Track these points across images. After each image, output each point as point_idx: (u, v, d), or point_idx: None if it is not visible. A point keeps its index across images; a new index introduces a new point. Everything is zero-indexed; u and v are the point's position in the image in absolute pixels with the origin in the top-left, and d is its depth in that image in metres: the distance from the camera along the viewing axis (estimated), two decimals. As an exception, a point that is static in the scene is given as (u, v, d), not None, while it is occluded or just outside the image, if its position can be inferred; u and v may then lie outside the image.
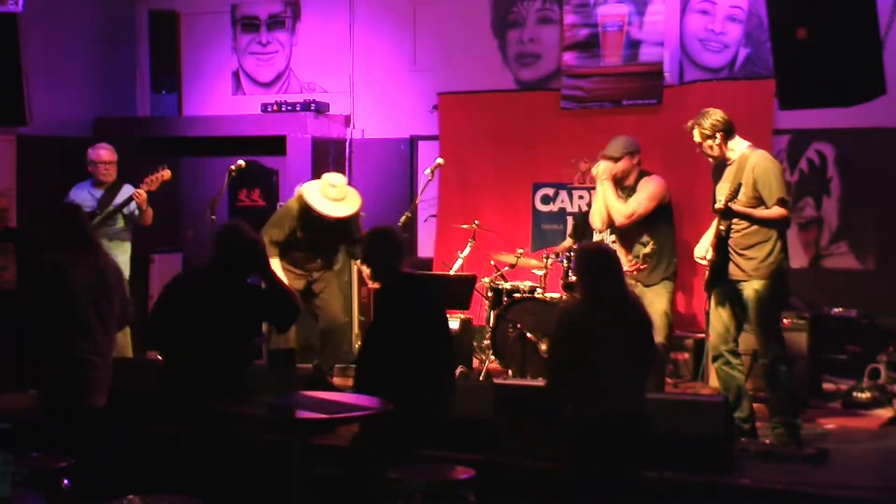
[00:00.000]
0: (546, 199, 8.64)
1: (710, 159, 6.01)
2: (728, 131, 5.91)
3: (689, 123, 6.01)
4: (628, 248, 6.66)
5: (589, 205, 8.37)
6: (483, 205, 8.69)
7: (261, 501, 5.66)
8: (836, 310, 7.35)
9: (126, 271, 7.63)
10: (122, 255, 7.60)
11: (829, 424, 6.42)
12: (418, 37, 9.14)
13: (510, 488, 5.17)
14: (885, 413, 6.66)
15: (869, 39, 4.96)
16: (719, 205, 5.73)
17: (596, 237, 7.40)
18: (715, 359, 5.96)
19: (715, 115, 5.91)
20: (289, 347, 7.66)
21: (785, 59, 5.15)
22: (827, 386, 7.16)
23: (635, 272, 6.54)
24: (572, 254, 7.41)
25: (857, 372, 7.07)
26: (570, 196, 8.55)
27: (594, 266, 4.84)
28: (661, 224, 6.70)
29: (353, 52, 9.33)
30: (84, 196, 7.66)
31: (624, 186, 6.75)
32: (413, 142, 9.15)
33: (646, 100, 8.16)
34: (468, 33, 8.85)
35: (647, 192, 6.66)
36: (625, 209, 6.63)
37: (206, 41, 9.78)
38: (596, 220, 6.91)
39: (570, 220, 8.45)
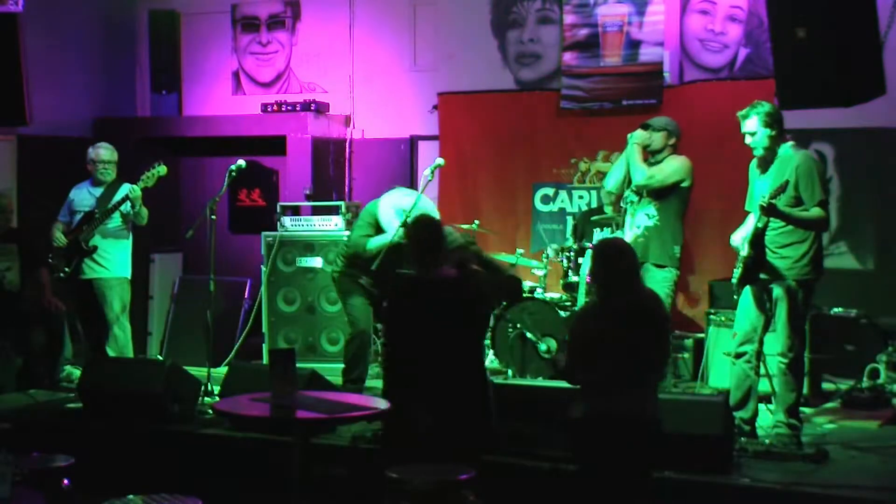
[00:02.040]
0: (546, 199, 8.64)
1: (760, 150, 5.84)
2: (782, 125, 5.83)
3: (745, 111, 5.83)
4: (638, 218, 6.64)
5: (588, 204, 8.40)
6: (483, 205, 8.69)
7: (261, 501, 5.67)
8: (835, 310, 7.35)
9: (126, 270, 7.65)
10: (121, 253, 7.61)
11: (829, 424, 6.42)
12: (418, 37, 9.14)
13: (510, 488, 5.17)
14: (885, 413, 6.66)
15: (869, 39, 4.97)
16: (763, 201, 5.60)
17: (598, 236, 7.42)
18: (738, 356, 5.92)
19: (771, 106, 5.78)
20: (289, 347, 7.68)
21: (785, 59, 5.16)
22: (827, 386, 7.16)
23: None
24: (572, 254, 7.44)
25: (857, 372, 7.08)
26: (570, 196, 8.55)
27: (604, 259, 4.75)
28: (672, 202, 6.59)
29: (353, 52, 9.33)
30: (83, 195, 7.66)
31: (653, 159, 6.66)
32: (413, 142, 9.14)
33: (646, 100, 8.16)
34: (468, 33, 8.84)
35: (672, 165, 6.57)
36: (646, 170, 6.53)
37: (206, 41, 9.77)
38: (610, 180, 6.84)
39: (570, 220, 8.46)
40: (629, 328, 4.57)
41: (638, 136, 6.65)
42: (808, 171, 5.71)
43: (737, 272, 5.86)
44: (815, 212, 5.69)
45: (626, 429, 4.49)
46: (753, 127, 5.81)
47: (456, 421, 4.78)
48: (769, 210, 5.59)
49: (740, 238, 5.91)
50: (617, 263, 4.69)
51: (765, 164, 5.88)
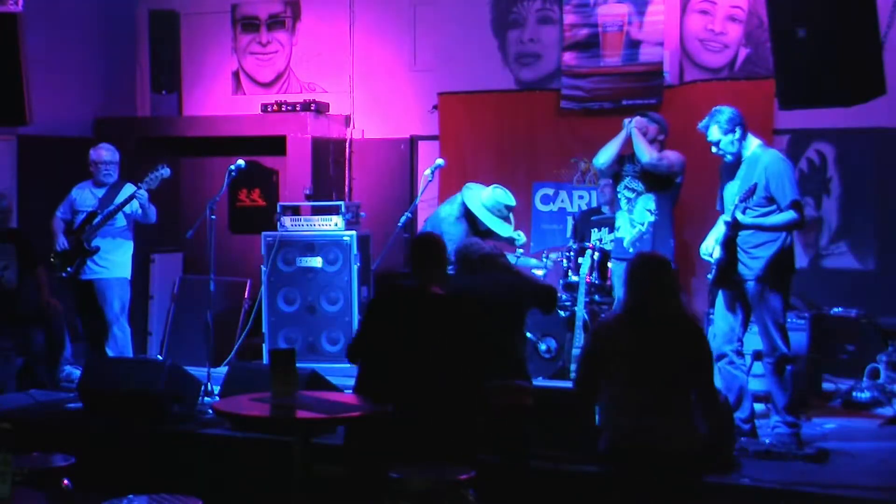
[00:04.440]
0: (546, 199, 8.64)
1: (729, 156, 5.87)
2: (744, 126, 5.84)
3: (703, 122, 5.89)
4: (638, 213, 6.66)
5: (588, 204, 8.40)
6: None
7: (261, 501, 5.67)
8: (836, 310, 7.35)
9: (126, 271, 7.66)
10: (123, 254, 7.62)
11: (829, 424, 6.42)
12: (418, 37, 9.13)
13: (510, 488, 5.16)
14: (885, 413, 6.66)
15: (869, 39, 4.97)
16: (727, 217, 5.67)
17: (597, 236, 7.42)
18: (719, 358, 5.93)
19: (729, 111, 5.82)
20: (289, 347, 7.68)
21: (785, 59, 5.15)
22: (827, 386, 7.16)
23: (636, 243, 6.58)
24: (572, 254, 7.44)
25: (857, 372, 7.08)
26: (570, 196, 8.55)
27: (640, 274, 4.43)
28: (668, 197, 6.69)
29: (353, 52, 9.32)
30: (86, 196, 7.67)
31: None
32: (413, 142, 9.14)
33: (646, 100, 8.15)
34: (468, 33, 8.84)
35: (676, 155, 6.70)
36: (654, 152, 6.62)
37: (206, 41, 9.77)
38: (601, 157, 6.87)
39: (570, 220, 8.46)
40: (661, 350, 4.29)
41: (637, 122, 6.75)
42: (778, 172, 5.70)
43: (711, 274, 5.88)
44: (786, 215, 5.67)
45: (666, 460, 4.19)
46: (717, 135, 5.83)
47: (430, 427, 4.72)
48: (734, 225, 5.65)
49: (712, 241, 5.91)
50: (656, 279, 4.40)
51: (732, 167, 5.89)
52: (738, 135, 5.80)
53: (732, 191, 5.82)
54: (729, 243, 5.76)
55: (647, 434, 4.22)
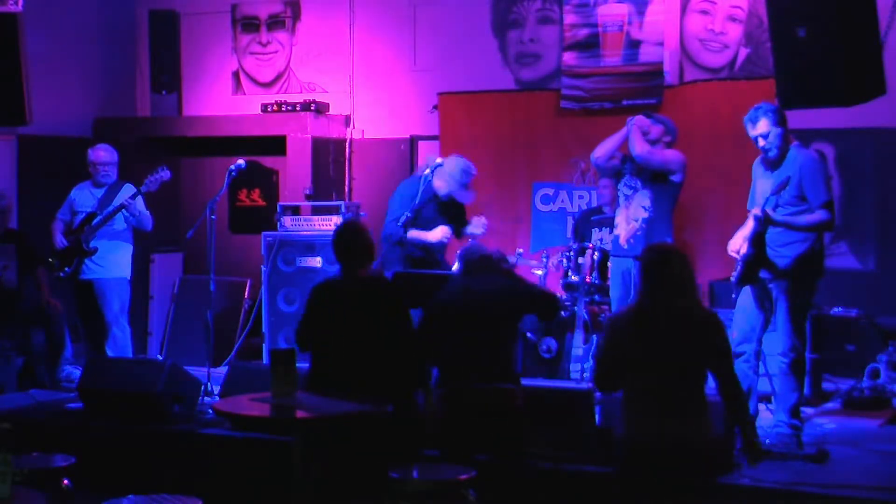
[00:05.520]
0: (546, 199, 8.64)
1: (774, 150, 5.75)
2: (787, 122, 5.80)
3: (749, 115, 5.77)
4: (634, 209, 6.68)
5: (588, 204, 8.41)
6: (483, 205, 8.67)
7: (261, 501, 5.67)
8: (836, 310, 7.34)
9: (125, 271, 7.66)
10: (122, 255, 7.62)
11: (829, 424, 6.42)
12: (418, 37, 9.14)
13: (510, 488, 5.16)
14: (885, 413, 6.65)
15: (869, 39, 4.98)
16: (757, 211, 5.62)
17: (597, 236, 7.41)
18: (736, 356, 5.88)
19: (773, 105, 5.73)
20: (289, 347, 7.68)
21: (785, 59, 5.16)
22: (827, 386, 7.15)
23: (631, 239, 6.58)
24: (572, 254, 7.44)
25: (857, 372, 7.07)
26: (570, 196, 8.55)
27: (652, 266, 4.42)
28: (665, 195, 6.64)
29: (353, 52, 9.33)
30: (85, 196, 7.67)
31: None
32: (413, 142, 9.15)
33: (646, 100, 8.14)
34: (468, 33, 8.85)
35: (672, 152, 6.66)
36: (647, 146, 6.58)
37: (206, 41, 9.78)
38: (597, 151, 6.83)
39: (570, 220, 8.46)
40: (673, 344, 4.26)
41: (638, 119, 6.69)
42: (813, 171, 5.68)
43: (735, 272, 5.85)
44: (818, 213, 5.66)
45: (680, 454, 4.19)
46: (766, 128, 5.73)
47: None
48: (765, 220, 5.60)
49: (741, 238, 5.89)
50: (659, 271, 4.38)
51: (774, 163, 5.85)
52: (784, 128, 5.75)
53: (764, 187, 5.77)
54: (758, 239, 5.70)
55: (665, 434, 4.22)
